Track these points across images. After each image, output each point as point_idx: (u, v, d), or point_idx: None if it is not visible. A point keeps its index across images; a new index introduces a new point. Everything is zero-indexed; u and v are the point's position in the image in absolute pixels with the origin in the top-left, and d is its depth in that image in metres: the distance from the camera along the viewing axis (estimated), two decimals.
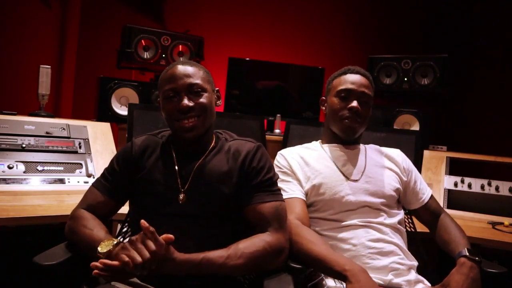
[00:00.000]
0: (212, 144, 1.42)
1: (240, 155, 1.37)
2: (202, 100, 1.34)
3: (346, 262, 1.28)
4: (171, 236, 1.12)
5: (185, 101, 1.31)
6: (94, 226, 1.26)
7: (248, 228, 1.33)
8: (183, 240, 1.24)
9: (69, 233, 1.31)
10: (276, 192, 1.37)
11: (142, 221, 1.09)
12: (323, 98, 1.70)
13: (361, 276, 1.23)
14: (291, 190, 1.52)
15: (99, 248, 1.14)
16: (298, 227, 1.40)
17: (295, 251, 1.35)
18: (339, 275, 1.26)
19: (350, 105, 1.55)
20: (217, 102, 1.45)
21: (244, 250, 1.20)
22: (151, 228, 1.09)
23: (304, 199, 1.52)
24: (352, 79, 1.59)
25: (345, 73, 1.62)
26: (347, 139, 1.62)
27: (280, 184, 1.48)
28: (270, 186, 1.36)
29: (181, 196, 1.32)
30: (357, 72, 1.61)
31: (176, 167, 1.36)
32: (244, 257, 1.19)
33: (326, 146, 1.65)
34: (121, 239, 1.54)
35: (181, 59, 2.93)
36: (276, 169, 1.53)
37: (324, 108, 1.69)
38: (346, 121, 1.57)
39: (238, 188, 1.33)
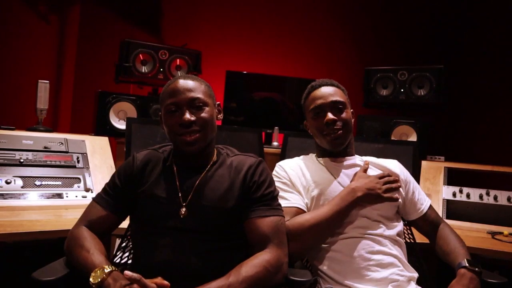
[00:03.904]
0: (214, 159, 1.42)
1: (242, 169, 1.38)
2: (204, 114, 1.34)
3: None
4: (166, 283, 1.13)
5: (187, 115, 1.31)
6: (91, 247, 1.25)
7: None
8: (184, 255, 1.25)
9: (67, 252, 1.30)
10: (276, 207, 1.37)
11: (126, 272, 1.08)
12: (305, 122, 1.71)
13: None
14: (291, 199, 1.52)
15: (91, 279, 1.14)
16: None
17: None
18: None
19: (325, 120, 1.55)
20: (218, 116, 1.46)
21: (246, 274, 1.19)
22: (136, 276, 1.08)
23: (305, 209, 1.52)
24: (318, 94, 1.60)
25: (310, 92, 1.64)
26: (338, 150, 1.62)
27: (280, 193, 1.48)
28: (270, 201, 1.36)
29: (183, 211, 1.31)
30: (319, 85, 1.62)
31: (178, 182, 1.36)
32: (246, 282, 1.18)
33: (320, 159, 1.66)
34: (121, 254, 1.54)
35: (179, 73, 2.95)
36: (275, 180, 1.53)
37: (309, 131, 1.70)
38: (328, 136, 1.57)
39: (239, 202, 1.33)
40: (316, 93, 1.61)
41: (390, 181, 1.53)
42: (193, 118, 1.32)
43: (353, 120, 1.65)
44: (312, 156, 1.71)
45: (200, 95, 1.35)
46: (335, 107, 1.57)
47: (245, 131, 2.35)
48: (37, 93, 2.48)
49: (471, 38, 3.92)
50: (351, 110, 1.64)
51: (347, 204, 1.45)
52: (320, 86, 1.62)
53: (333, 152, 1.63)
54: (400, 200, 1.58)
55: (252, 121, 3.05)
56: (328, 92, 1.59)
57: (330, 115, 1.55)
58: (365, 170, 1.57)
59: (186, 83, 1.36)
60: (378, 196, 1.49)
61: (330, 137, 1.57)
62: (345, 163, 1.63)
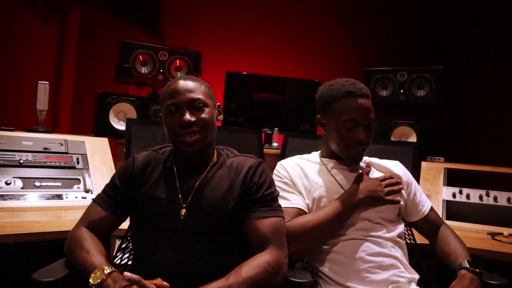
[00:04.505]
0: (214, 160, 1.42)
1: (242, 170, 1.38)
2: (204, 115, 1.34)
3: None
4: (166, 284, 1.13)
5: (187, 116, 1.31)
6: (91, 248, 1.25)
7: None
8: (184, 256, 1.25)
9: (67, 253, 1.30)
10: (276, 208, 1.37)
11: (125, 273, 1.08)
12: (319, 117, 1.59)
13: None
14: (292, 199, 1.51)
15: (90, 280, 1.14)
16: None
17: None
18: None
19: (358, 138, 1.49)
20: (218, 117, 1.45)
21: (245, 275, 1.19)
22: (135, 277, 1.08)
23: (306, 210, 1.51)
24: (356, 106, 1.48)
25: (345, 95, 1.49)
26: (352, 164, 1.60)
27: (281, 193, 1.48)
28: (270, 201, 1.36)
29: (183, 212, 1.31)
30: (359, 95, 1.49)
31: (178, 183, 1.36)
32: (246, 283, 1.18)
33: (325, 159, 1.64)
34: (120, 255, 1.54)
35: (179, 74, 2.95)
36: (276, 179, 1.53)
37: (322, 128, 1.60)
38: (354, 151, 1.52)
39: (239, 203, 1.33)
40: (354, 103, 1.48)
41: (392, 183, 1.52)
42: (193, 119, 1.32)
43: None
44: (315, 154, 1.68)
45: (200, 96, 1.35)
46: (369, 127, 1.52)
47: (245, 132, 2.36)
48: (36, 94, 2.48)
49: (471, 38, 3.92)
50: None
51: (348, 206, 1.45)
52: (359, 95, 1.49)
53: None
54: (402, 202, 1.57)
55: (252, 122, 3.05)
56: (366, 107, 1.50)
57: (363, 135, 1.49)
58: (367, 173, 1.56)
59: (186, 84, 1.36)
60: (380, 199, 1.48)
61: (354, 153, 1.53)
62: (348, 165, 1.61)
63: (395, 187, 1.52)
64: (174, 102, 1.34)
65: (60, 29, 3.45)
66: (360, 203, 1.46)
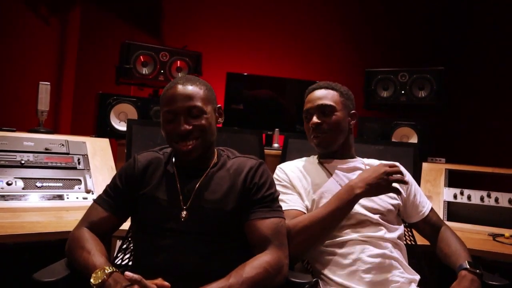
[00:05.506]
0: (214, 161, 1.42)
1: (242, 171, 1.37)
2: (201, 122, 1.33)
3: None
4: (167, 284, 1.13)
5: (183, 126, 1.30)
6: (92, 249, 1.25)
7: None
8: (185, 257, 1.25)
9: (68, 253, 1.30)
10: (277, 209, 1.37)
11: (126, 273, 1.08)
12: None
13: None
14: (291, 201, 1.52)
15: (92, 280, 1.14)
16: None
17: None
18: None
19: (310, 124, 1.59)
20: (219, 120, 1.44)
21: (246, 276, 1.19)
22: (136, 277, 1.08)
23: (304, 212, 1.51)
24: (309, 98, 1.63)
25: (306, 95, 1.66)
26: (325, 152, 1.63)
27: (280, 196, 1.48)
28: (271, 202, 1.36)
29: (183, 213, 1.31)
30: (314, 89, 1.64)
31: (178, 184, 1.36)
32: (247, 283, 1.18)
33: (323, 160, 1.65)
34: (121, 256, 1.54)
35: (179, 75, 2.95)
36: (276, 183, 1.52)
37: None
38: (314, 140, 1.60)
39: (240, 204, 1.33)
40: (309, 97, 1.64)
41: (392, 172, 1.46)
42: (189, 127, 1.31)
43: (353, 122, 1.64)
44: (314, 157, 1.71)
45: (198, 103, 1.33)
46: (322, 111, 1.58)
47: (245, 133, 2.36)
48: (38, 95, 2.48)
49: (471, 39, 3.92)
50: (353, 111, 1.64)
51: (344, 203, 1.44)
52: (314, 89, 1.64)
53: (332, 154, 1.63)
54: (400, 203, 1.57)
55: (253, 122, 3.05)
56: (318, 95, 1.61)
57: (314, 119, 1.57)
58: None
59: (184, 89, 1.33)
60: (378, 187, 1.44)
61: (314, 140, 1.60)
62: (347, 165, 1.62)
63: (396, 177, 1.46)
64: (171, 110, 1.32)
65: (61, 30, 3.46)
66: (357, 198, 1.44)
